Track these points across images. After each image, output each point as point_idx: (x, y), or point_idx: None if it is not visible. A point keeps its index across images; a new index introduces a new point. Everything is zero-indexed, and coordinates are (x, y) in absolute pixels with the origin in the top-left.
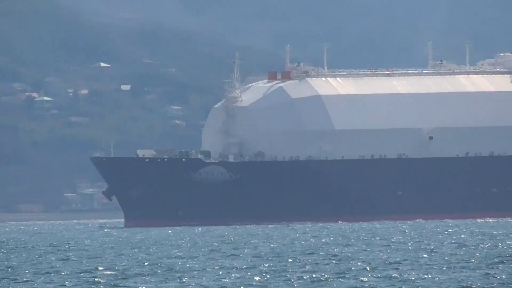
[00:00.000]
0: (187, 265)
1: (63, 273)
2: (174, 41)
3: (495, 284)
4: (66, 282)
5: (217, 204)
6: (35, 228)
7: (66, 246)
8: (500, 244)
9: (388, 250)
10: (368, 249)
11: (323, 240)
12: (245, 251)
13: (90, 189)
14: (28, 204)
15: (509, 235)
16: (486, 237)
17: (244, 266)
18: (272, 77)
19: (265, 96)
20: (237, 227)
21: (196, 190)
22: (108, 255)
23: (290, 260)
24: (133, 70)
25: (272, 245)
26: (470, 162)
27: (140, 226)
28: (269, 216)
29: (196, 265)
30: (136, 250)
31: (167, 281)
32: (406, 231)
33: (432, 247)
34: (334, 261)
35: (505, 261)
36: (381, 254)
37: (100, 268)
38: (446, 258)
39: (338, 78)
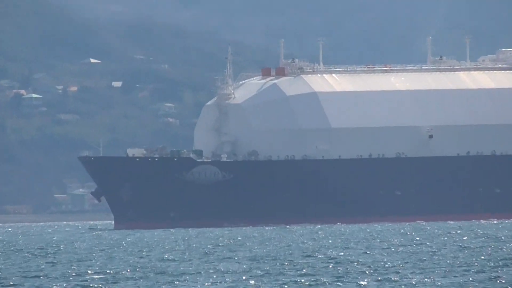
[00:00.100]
0: (181, 268)
1: (51, 277)
2: (166, 36)
3: None
4: (55, 286)
5: (209, 205)
6: (23, 230)
7: (55, 249)
8: (504, 247)
9: (388, 253)
10: (368, 252)
11: (321, 242)
12: (240, 254)
13: (80, 190)
14: (16, 205)
15: None
16: (490, 239)
17: (239, 270)
18: (266, 73)
19: (258, 93)
20: (231, 229)
21: (188, 190)
22: (99, 258)
23: (286, 263)
24: (124, 66)
25: (268, 248)
26: (471, 161)
27: (131, 228)
28: (263, 218)
29: (190, 269)
30: (127, 253)
31: (159, 285)
32: (407, 233)
33: (434, 249)
34: (332, 264)
35: (509, 264)
36: (381, 256)
37: (89, 272)
38: (448, 261)
39: (334, 75)
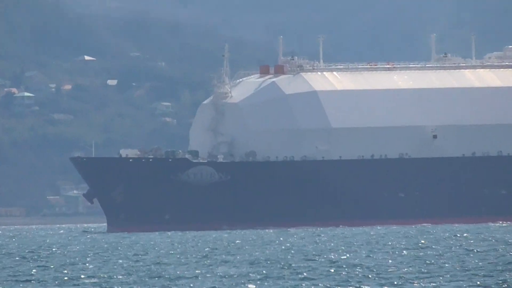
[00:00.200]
0: (177, 272)
1: (43, 281)
2: (163, 32)
3: None
4: None
5: (205, 208)
6: (15, 233)
7: (47, 252)
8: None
9: (392, 257)
10: (371, 255)
11: (321, 245)
12: (238, 257)
13: (74, 191)
14: (8, 207)
15: None
16: (499, 242)
17: (237, 274)
18: (264, 71)
19: (256, 92)
20: (229, 231)
21: (184, 192)
22: (92, 262)
23: (286, 267)
24: (119, 64)
25: (267, 251)
26: (476, 162)
27: (124, 231)
28: (261, 221)
29: (186, 273)
30: (121, 257)
31: None
32: (412, 236)
33: (439, 253)
34: (333, 268)
35: None
36: (384, 260)
37: (82, 276)
38: (454, 265)
39: (335, 73)
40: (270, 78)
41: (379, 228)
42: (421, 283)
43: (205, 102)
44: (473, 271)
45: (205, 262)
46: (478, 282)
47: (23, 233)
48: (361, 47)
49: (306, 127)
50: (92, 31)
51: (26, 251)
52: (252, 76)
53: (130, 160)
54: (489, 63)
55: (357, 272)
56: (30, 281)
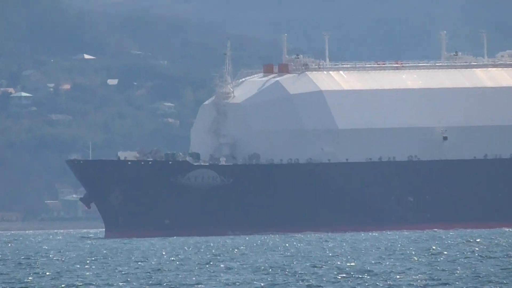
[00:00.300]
0: (178, 279)
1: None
2: (165, 29)
3: None
4: None
5: (207, 212)
6: (11, 238)
7: (44, 259)
8: None
9: (402, 263)
10: (380, 262)
11: (328, 252)
12: (242, 263)
13: (73, 195)
14: (4, 211)
15: None
16: None
17: (240, 281)
18: (268, 70)
19: (260, 92)
20: (232, 237)
21: (184, 196)
22: (90, 269)
23: (291, 274)
24: (120, 63)
25: (272, 257)
26: (488, 165)
27: (122, 237)
28: (265, 226)
29: (188, 280)
30: (120, 263)
31: None
32: (422, 241)
33: (451, 259)
34: (341, 275)
35: None
36: (393, 267)
37: (79, 284)
38: (466, 272)
39: (341, 72)
40: (274, 77)
41: (388, 233)
42: None
43: (206, 102)
44: (486, 278)
45: (207, 269)
46: None
47: (20, 238)
48: (368, 45)
49: (312, 128)
50: (92, 28)
51: (22, 257)
52: (255, 75)
53: (129, 162)
54: (501, 62)
55: (365, 279)
56: None
